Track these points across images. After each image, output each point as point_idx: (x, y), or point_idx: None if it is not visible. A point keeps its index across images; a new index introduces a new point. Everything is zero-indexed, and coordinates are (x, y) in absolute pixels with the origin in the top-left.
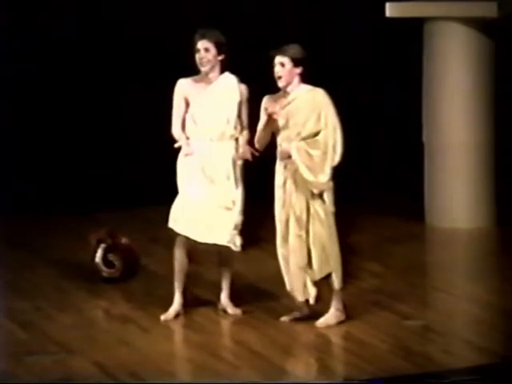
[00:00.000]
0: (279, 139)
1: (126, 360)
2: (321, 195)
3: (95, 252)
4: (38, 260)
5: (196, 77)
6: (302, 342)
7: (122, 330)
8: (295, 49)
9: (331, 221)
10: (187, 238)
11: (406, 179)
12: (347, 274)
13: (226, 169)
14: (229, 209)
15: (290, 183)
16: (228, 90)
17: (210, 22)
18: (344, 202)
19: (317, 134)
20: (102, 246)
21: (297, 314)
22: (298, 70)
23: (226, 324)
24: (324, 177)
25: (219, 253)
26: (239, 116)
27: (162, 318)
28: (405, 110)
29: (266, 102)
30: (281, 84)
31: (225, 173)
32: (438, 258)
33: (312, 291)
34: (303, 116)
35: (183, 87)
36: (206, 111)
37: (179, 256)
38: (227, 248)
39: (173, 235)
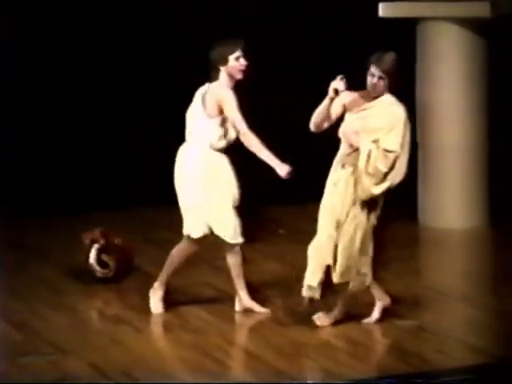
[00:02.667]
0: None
1: (119, 360)
2: (368, 205)
3: (89, 252)
4: (31, 260)
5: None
6: (295, 342)
7: (115, 331)
8: (390, 61)
9: (369, 232)
10: (198, 243)
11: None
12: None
13: (232, 171)
14: (234, 208)
15: (341, 184)
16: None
17: (210, 22)
18: None
19: (393, 151)
20: (96, 246)
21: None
22: (390, 81)
23: (219, 324)
24: (377, 190)
25: (229, 253)
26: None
27: (155, 311)
28: None
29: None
30: (373, 94)
31: (232, 174)
32: (431, 258)
33: (317, 293)
34: (375, 124)
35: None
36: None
37: (182, 255)
38: (236, 246)
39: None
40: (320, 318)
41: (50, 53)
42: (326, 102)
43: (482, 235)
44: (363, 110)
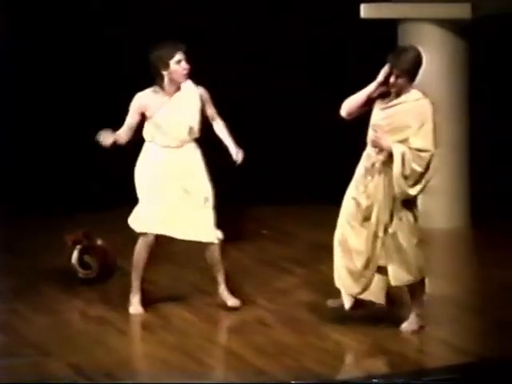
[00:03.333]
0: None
1: (102, 361)
2: (409, 202)
3: (71, 253)
4: (13, 261)
5: (157, 88)
6: (277, 342)
7: (98, 332)
8: (407, 59)
9: (416, 229)
10: (155, 238)
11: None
12: (322, 273)
13: (199, 168)
14: (206, 206)
15: (374, 184)
16: (189, 97)
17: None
18: (319, 201)
19: (426, 150)
20: (78, 247)
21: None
22: (409, 78)
23: (201, 325)
24: (414, 191)
25: (207, 250)
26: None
27: (132, 311)
28: None
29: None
30: (393, 92)
31: (198, 172)
32: None
33: (381, 296)
34: (403, 122)
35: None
36: (171, 119)
37: (144, 255)
38: (211, 244)
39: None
40: (406, 327)
41: (49, 53)
42: (372, 87)
43: (464, 235)
44: (389, 107)
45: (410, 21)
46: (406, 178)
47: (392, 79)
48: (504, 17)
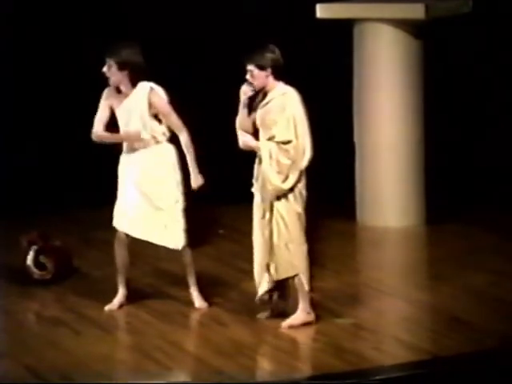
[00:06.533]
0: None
1: (57, 362)
2: (285, 194)
3: (26, 254)
4: None
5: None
6: (234, 342)
7: (53, 333)
8: (261, 55)
9: (296, 222)
10: (126, 235)
11: (338, 179)
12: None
13: (161, 171)
14: (170, 209)
15: (259, 180)
16: (137, 100)
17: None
18: None
19: (288, 141)
20: (34, 247)
21: (268, 314)
22: (266, 73)
23: (158, 325)
24: (287, 184)
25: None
26: (160, 121)
27: (106, 308)
28: (336, 110)
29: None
30: (256, 88)
31: (160, 175)
32: (369, 256)
33: (262, 289)
34: (272, 119)
35: (109, 96)
36: (123, 123)
37: (118, 251)
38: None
39: (108, 236)
40: (287, 323)
41: (50, 53)
42: (241, 109)
43: (419, 233)
44: (262, 106)
45: (365, 21)
46: (277, 173)
47: (248, 75)
48: (455, 18)
